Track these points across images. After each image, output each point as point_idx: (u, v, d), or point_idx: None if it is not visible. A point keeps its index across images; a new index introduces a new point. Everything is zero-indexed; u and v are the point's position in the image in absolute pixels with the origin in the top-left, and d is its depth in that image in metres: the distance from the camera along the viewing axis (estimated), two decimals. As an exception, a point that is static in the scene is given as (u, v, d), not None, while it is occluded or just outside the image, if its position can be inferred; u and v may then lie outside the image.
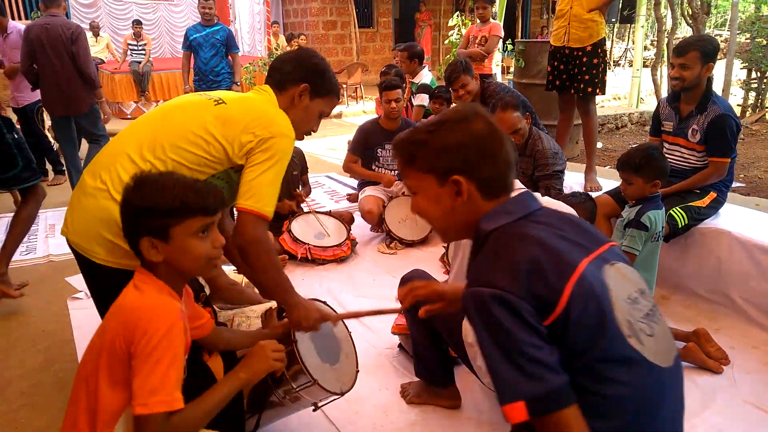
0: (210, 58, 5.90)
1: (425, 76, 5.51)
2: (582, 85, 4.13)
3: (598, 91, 4.15)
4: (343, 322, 2.06)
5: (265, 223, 1.64)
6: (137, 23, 10.33)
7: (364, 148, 4.28)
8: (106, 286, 1.56)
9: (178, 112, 1.71)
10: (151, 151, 1.60)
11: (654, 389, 1.03)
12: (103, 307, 1.61)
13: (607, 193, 3.31)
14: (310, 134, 1.96)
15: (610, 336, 1.00)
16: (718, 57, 2.97)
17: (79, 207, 1.63)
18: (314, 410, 1.83)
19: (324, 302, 2.01)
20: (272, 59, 9.56)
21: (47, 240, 4.29)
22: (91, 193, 1.59)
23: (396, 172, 4.31)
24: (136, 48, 10.04)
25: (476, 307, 0.99)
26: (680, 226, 2.92)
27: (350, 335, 2.07)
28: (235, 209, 1.65)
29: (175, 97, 1.89)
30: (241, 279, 2.52)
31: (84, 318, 2.94)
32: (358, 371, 1.99)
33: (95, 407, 1.28)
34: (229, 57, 6.01)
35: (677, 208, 2.94)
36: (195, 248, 1.30)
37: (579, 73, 4.12)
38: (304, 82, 1.82)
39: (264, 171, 1.62)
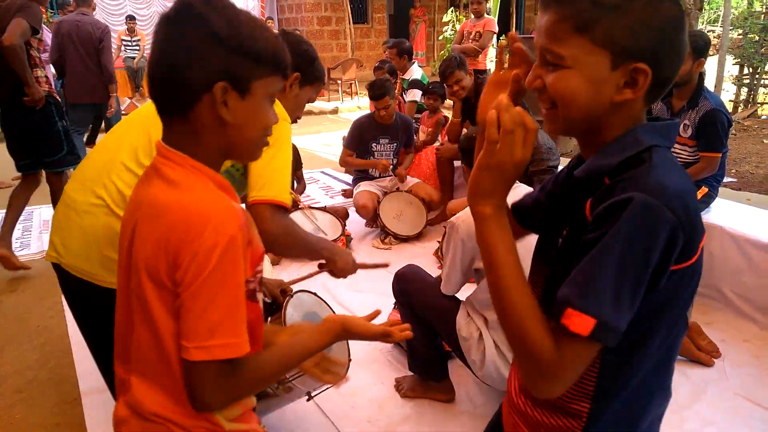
0: None
1: (415, 72, 5.52)
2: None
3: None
4: (332, 310, 2.08)
5: (284, 211, 1.54)
6: (131, 18, 10.27)
7: (359, 143, 4.29)
8: (111, 311, 1.47)
9: None
10: (149, 155, 1.45)
11: (674, 354, 0.99)
12: (102, 336, 1.45)
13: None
14: (296, 122, 1.94)
15: (687, 307, 0.94)
16: (711, 53, 2.99)
17: (73, 227, 1.47)
18: (308, 400, 1.85)
19: (314, 293, 2.03)
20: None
21: (41, 236, 4.28)
22: (87, 210, 1.45)
23: (390, 167, 4.32)
24: (129, 44, 10.00)
25: (641, 214, 0.81)
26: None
27: None
28: (248, 204, 1.54)
29: None
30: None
31: (79, 314, 2.94)
32: (350, 360, 2.01)
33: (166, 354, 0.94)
34: None
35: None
36: (265, 115, 0.98)
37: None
38: (295, 71, 1.78)
39: (272, 158, 1.55)
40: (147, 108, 1.62)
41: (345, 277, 1.81)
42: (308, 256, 1.75)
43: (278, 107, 1.66)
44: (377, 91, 4.05)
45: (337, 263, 1.76)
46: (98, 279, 1.43)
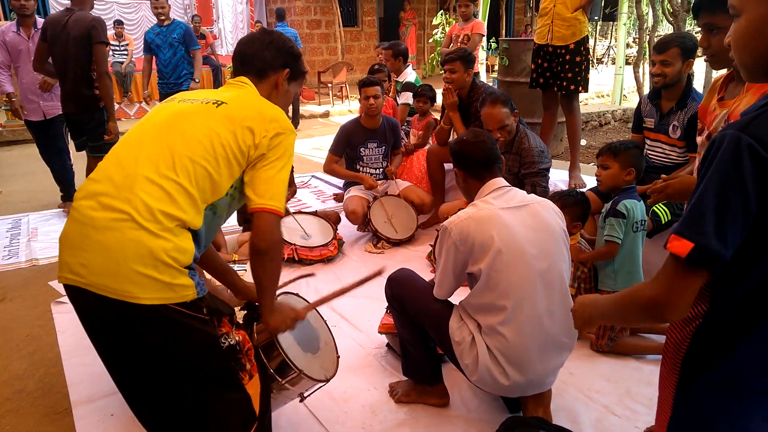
0: (170, 60, 5.70)
1: (410, 75, 5.52)
2: (565, 83, 4.17)
3: (581, 88, 4.19)
4: (317, 311, 2.08)
5: (280, 223, 1.61)
6: (119, 23, 10.22)
7: (347, 148, 4.27)
8: (142, 330, 1.40)
9: (184, 123, 1.57)
10: (171, 168, 1.46)
11: None
12: (132, 361, 1.45)
13: (590, 189, 3.34)
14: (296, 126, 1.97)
15: None
16: (699, 54, 3.02)
17: (93, 245, 1.40)
18: (300, 401, 1.86)
19: (296, 294, 2.03)
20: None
21: (30, 243, 4.23)
22: (108, 226, 1.40)
23: (380, 170, 4.31)
24: (117, 48, 9.94)
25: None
26: (663, 221, 2.95)
27: (326, 323, 2.10)
28: (253, 210, 1.56)
29: (165, 104, 1.70)
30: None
31: (68, 322, 2.91)
32: (338, 356, 2.01)
33: None
34: (191, 54, 5.80)
35: (660, 203, 2.97)
36: None
37: (562, 70, 4.16)
38: (285, 67, 1.81)
39: (280, 169, 1.59)
40: (159, 124, 1.58)
41: (273, 331, 1.70)
42: (270, 287, 1.68)
43: (286, 118, 1.67)
44: (370, 78, 4.12)
45: (273, 320, 1.69)
46: (128, 296, 1.37)
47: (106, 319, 1.43)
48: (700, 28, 1.77)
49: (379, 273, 2.09)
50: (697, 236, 0.94)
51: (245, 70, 1.79)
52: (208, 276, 2.25)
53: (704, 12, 1.70)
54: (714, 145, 0.96)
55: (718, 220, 0.93)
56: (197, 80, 5.87)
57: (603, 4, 11.66)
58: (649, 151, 3.20)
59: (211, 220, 1.56)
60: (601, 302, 1.23)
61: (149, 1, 5.90)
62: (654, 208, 2.93)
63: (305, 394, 1.85)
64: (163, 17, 5.69)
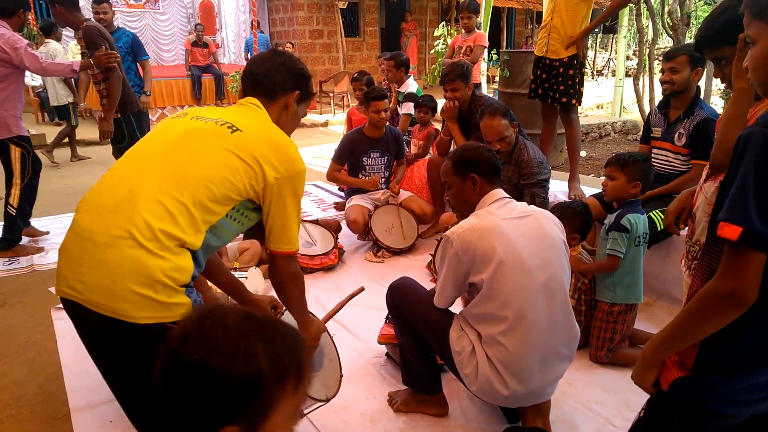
0: None
1: (411, 85, 5.54)
2: (557, 95, 4.20)
3: (573, 101, 4.22)
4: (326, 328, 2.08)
5: (296, 258, 1.75)
6: (122, 31, 10.25)
7: (350, 157, 4.29)
8: (137, 348, 1.36)
9: (195, 143, 1.54)
10: (176, 187, 1.44)
11: None
12: (127, 372, 1.44)
13: (592, 196, 3.35)
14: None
15: None
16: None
17: (91, 261, 1.39)
18: (300, 417, 1.85)
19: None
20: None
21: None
22: (108, 243, 1.38)
23: (383, 180, 4.33)
24: (121, 56, 9.97)
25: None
26: (659, 229, 2.95)
27: (332, 339, 2.09)
28: (268, 251, 1.70)
29: (176, 120, 1.67)
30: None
31: (68, 328, 2.89)
32: (342, 375, 2.00)
33: None
34: (139, 64, 5.41)
35: (657, 211, 2.98)
36: None
37: (556, 83, 4.19)
38: (296, 89, 1.80)
39: (292, 212, 1.64)
40: (168, 141, 1.57)
41: (312, 342, 1.91)
42: (296, 309, 1.86)
43: (299, 154, 1.68)
44: (381, 91, 4.12)
45: (307, 333, 1.86)
46: (123, 314, 1.36)
47: (103, 334, 1.42)
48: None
49: (360, 291, 2.38)
50: (743, 220, 1.03)
51: (255, 91, 1.77)
52: (213, 290, 2.25)
53: (706, 49, 1.82)
54: (741, 141, 1.09)
55: (759, 204, 1.03)
56: (148, 93, 5.35)
57: (603, 17, 11.73)
58: (654, 160, 3.20)
59: (211, 240, 1.55)
60: (659, 335, 1.27)
61: (91, 7, 5.40)
62: (651, 215, 2.93)
63: (305, 412, 1.85)
64: (105, 24, 5.21)
